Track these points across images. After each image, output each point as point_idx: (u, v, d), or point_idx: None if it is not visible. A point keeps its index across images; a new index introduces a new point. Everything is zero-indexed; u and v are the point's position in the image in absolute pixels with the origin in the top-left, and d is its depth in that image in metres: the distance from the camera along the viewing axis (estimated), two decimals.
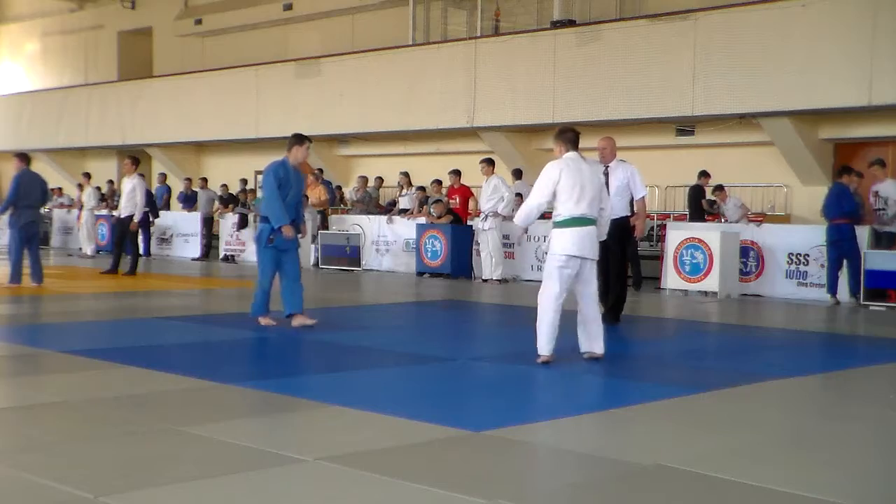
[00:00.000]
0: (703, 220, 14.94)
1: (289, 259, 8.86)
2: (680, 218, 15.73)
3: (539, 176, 7.02)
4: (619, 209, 9.63)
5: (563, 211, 6.87)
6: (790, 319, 11.06)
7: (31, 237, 12.78)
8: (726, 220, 14.97)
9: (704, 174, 15.58)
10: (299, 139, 8.81)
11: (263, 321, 8.80)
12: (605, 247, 9.53)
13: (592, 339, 7.16)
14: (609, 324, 9.37)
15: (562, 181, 6.82)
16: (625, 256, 9.94)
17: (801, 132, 15.57)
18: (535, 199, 6.94)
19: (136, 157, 15.57)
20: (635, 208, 9.56)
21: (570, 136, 7.07)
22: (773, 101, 15.01)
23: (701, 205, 15.35)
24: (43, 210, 24.95)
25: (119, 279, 14.35)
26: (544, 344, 6.98)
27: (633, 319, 10.94)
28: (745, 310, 11.85)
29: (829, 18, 14.50)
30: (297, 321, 8.75)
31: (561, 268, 6.90)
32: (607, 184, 9.60)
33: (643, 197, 9.55)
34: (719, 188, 15.38)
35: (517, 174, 17.41)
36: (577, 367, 7.24)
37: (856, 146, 16.12)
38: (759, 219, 15.14)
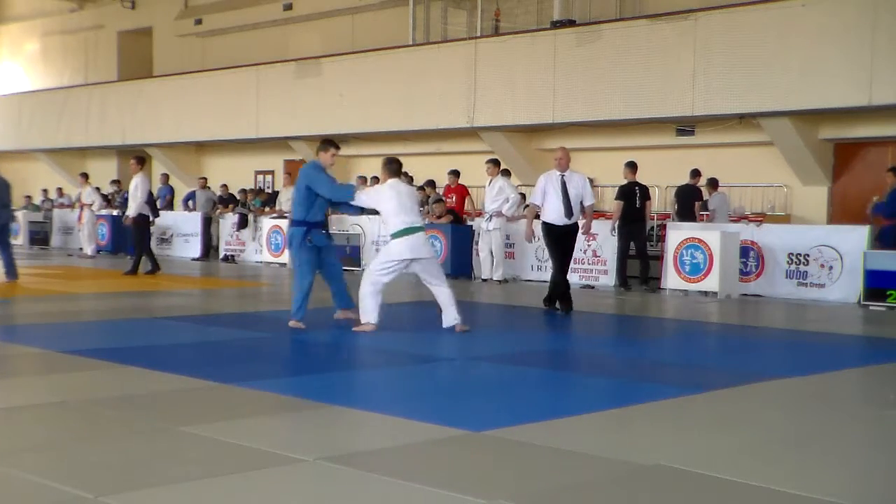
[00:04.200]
0: (693, 220, 14.64)
1: (329, 258, 9.08)
2: None
3: (380, 189, 8.70)
4: (577, 215, 10.61)
5: (397, 223, 8.45)
6: (790, 319, 11.06)
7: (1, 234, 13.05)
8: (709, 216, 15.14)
9: (696, 173, 15.42)
10: (323, 146, 9.05)
11: (294, 323, 8.71)
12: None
13: (451, 315, 8.70)
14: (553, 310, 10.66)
15: (394, 201, 8.46)
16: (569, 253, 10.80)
17: (801, 132, 15.57)
18: (372, 203, 8.72)
19: (141, 157, 15.68)
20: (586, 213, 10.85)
21: (395, 167, 8.82)
22: (773, 101, 15.01)
23: (693, 206, 15.06)
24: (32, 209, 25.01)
25: (122, 279, 14.35)
26: (370, 313, 8.44)
27: (633, 319, 10.94)
28: (745, 310, 11.84)
29: (829, 18, 14.49)
30: (345, 315, 9.03)
31: (396, 267, 8.54)
32: (566, 191, 10.45)
33: (591, 204, 10.86)
34: (712, 183, 15.45)
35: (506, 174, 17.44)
36: (576, 367, 7.24)
37: (856, 146, 16.12)
38: (759, 219, 15.14)
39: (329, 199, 8.89)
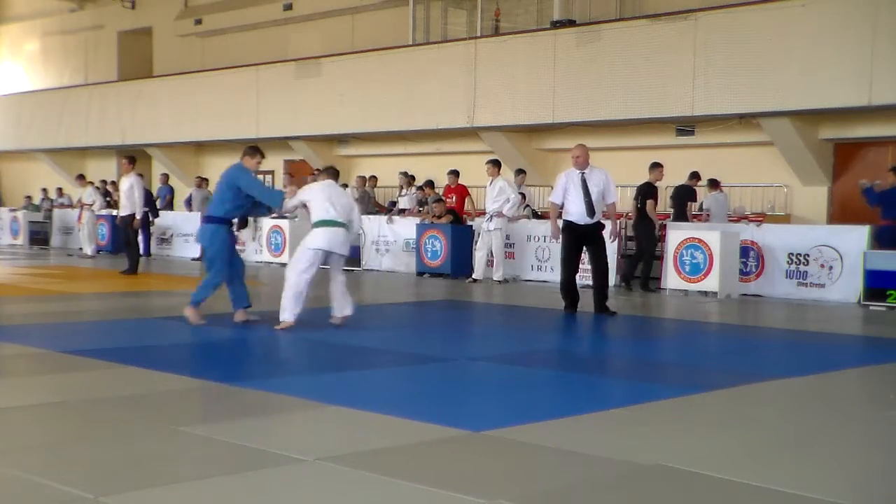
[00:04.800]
0: (685, 220, 14.68)
1: (236, 256, 9.34)
2: None
3: (312, 186, 8.96)
4: (599, 214, 10.41)
5: (320, 212, 8.69)
6: (790, 319, 11.06)
7: None
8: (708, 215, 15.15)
9: (695, 175, 15.44)
10: (252, 151, 9.08)
11: (190, 313, 8.83)
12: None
13: (343, 306, 8.87)
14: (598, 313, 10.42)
15: (323, 195, 8.73)
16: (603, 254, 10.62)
17: (801, 132, 15.57)
18: (303, 197, 8.83)
19: (132, 157, 15.63)
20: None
21: (332, 171, 9.22)
22: (773, 101, 15.01)
23: (686, 206, 15.08)
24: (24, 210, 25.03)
25: (121, 279, 14.35)
26: (289, 312, 8.53)
27: (634, 319, 10.94)
28: (745, 310, 11.84)
29: (829, 18, 14.49)
30: (244, 316, 9.10)
31: (314, 257, 8.66)
32: (587, 189, 10.26)
33: (614, 202, 10.69)
34: (713, 183, 15.47)
35: (520, 173, 17.41)
36: (576, 367, 7.24)
37: (856, 146, 16.13)
38: (759, 219, 15.14)
39: (259, 199, 8.93)
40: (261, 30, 24.73)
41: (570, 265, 10.55)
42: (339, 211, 8.77)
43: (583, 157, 10.38)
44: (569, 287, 10.56)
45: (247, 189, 8.82)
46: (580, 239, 10.42)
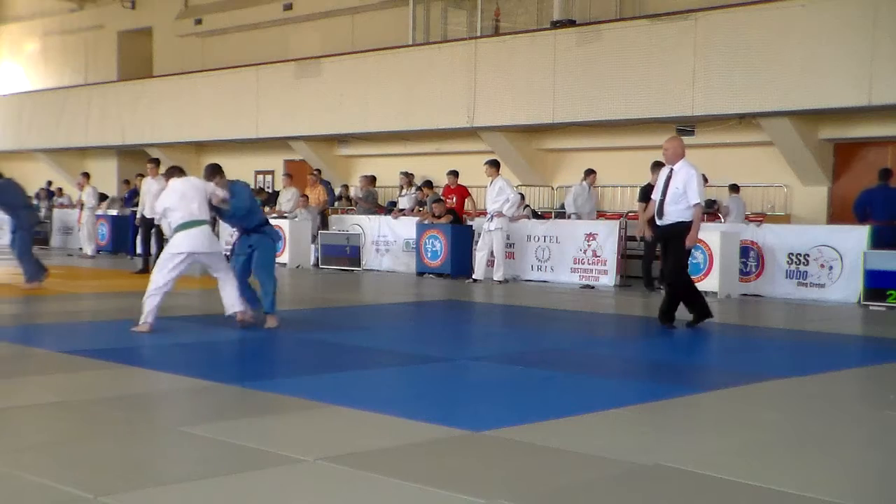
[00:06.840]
0: None
1: None
2: None
3: (166, 188, 8.61)
4: (674, 215, 9.33)
5: (177, 217, 8.41)
6: (790, 319, 11.06)
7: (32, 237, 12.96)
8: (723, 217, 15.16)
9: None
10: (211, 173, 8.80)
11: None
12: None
13: (233, 301, 8.59)
14: (662, 324, 9.38)
15: (175, 196, 8.42)
16: (678, 259, 9.41)
17: (801, 132, 15.57)
18: (159, 204, 8.57)
19: (157, 159, 15.96)
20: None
21: (175, 171, 8.87)
22: (773, 101, 15.01)
23: None
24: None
25: (122, 278, 14.35)
26: (149, 314, 8.30)
27: (633, 319, 10.95)
28: (745, 310, 11.84)
29: (829, 18, 14.49)
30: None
31: (177, 261, 8.40)
32: (667, 187, 9.35)
33: (696, 204, 9.29)
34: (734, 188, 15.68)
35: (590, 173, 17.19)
36: (576, 367, 7.24)
37: (856, 146, 16.12)
38: (759, 219, 15.14)
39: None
40: (261, 30, 24.74)
41: (666, 265, 9.65)
42: (198, 209, 8.44)
43: (671, 150, 9.48)
44: (671, 293, 9.50)
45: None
46: (660, 239, 9.63)
